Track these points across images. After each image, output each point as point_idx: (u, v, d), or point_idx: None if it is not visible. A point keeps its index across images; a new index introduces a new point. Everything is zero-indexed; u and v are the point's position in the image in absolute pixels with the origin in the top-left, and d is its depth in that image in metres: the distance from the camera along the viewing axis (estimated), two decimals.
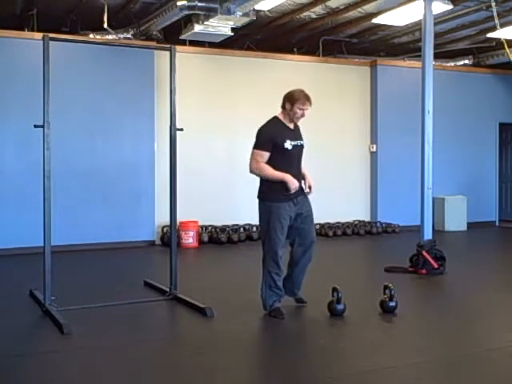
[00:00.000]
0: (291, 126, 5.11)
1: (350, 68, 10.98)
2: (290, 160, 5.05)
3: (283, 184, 4.95)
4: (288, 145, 4.99)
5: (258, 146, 5.03)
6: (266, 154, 4.97)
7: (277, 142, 4.96)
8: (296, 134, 5.12)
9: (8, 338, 4.48)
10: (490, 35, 9.76)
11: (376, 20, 9.14)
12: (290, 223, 5.09)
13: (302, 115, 5.03)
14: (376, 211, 10.89)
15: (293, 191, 4.95)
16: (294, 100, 4.95)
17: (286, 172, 4.97)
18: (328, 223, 10.45)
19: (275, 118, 5.12)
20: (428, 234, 7.30)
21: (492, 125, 12.08)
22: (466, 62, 11.69)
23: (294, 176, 5.01)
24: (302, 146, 5.17)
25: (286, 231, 5.09)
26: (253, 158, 5.05)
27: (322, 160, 10.64)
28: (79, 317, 4.95)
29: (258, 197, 5.25)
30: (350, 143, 11.00)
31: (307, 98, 4.98)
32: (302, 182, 5.18)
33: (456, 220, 11.21)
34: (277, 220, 5.03)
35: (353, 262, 7.37)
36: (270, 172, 4.98)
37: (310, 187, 5.20)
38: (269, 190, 5.07)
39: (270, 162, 5.00)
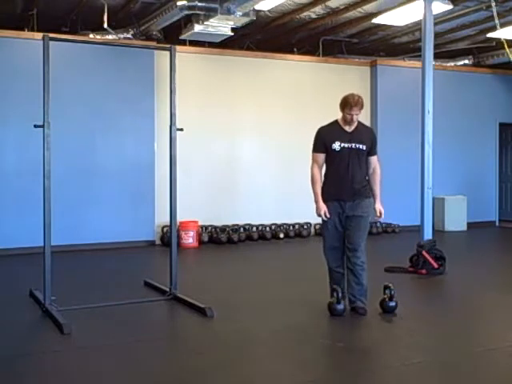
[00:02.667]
0: (349, 128, 5.13)
1: (349, 68, 10.97)
2: (339, 161, 5.10)
3: (329, 186, 5.12)
4: (336, 146, 5.08)
5: (313, 148, 5.25)
6: (321, 156, 5.17)
7: (326, 143, 5.12)
8: (352, 137, 5.10)
9: (8, 338, 4.48)
10: (490, 35, 9.75)
11: (376, 20, 9.14)
12: (340, 224, 5.12)
13: (352, 120, 5.06)
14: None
15: (317, 216, 5.11)
16: (343, 105, 5.08)
17: (335, 173, 5.11)
18: None
19: (335, 120, 5.22)
20: (428, 234, 7.30)
21: (492, 125, 12.08)
22: (466, 62, 11.68)
23: (343, 177, 5.08)
24: (357, 150, 5.10)
25: (335, 228, 5.12)
26: (311, 161, 5.24)
27: None
28: (79, 317, 4.95)
29: None
30: None
31: (355, 104, 5.00)
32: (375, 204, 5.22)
33: (456, 220, 11.21)
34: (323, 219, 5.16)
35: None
36: (313, 185, 5.16)
37: (380, 213, 5.19)
38: (322, 189, 5.19)
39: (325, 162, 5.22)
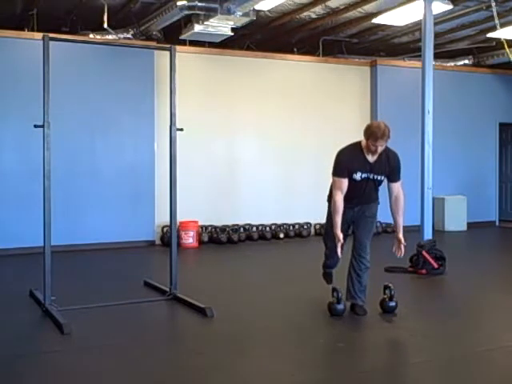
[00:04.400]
0: (371, 157, 4.86)
1: (349, 68, 10.97)
2: (354, 187, 4.92)
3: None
4: (357, 176, 4.87)
5: (335, 173, 4.92)
6: (345, 181, 4.86)
7: (348, 170, 4.87)
8: (373, 168, 4.87)
9: (8, 338, 4.48)
10: (490, 35, 9.75)
11: (376, 20, 9.14)
12: (347, 229, 5.06)
13: (376, 151, 4.78)
14: None
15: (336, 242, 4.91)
16: (367, 135, 4.76)
17: (349, 193, 4.87)
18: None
19: (358, 144, 4.90)
20: (428, 234, 7.30)
21: (492, 125, 12.07)
22: (466, 62, 11.68)
23: (356, 197, 4.94)
24: (375, 179, 4.93)
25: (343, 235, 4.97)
26: (333, 185, 4.92)
27: (322, 160, 10.63)
28: (79, 317, 4.95)
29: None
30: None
31: (381, 136, 4.69)
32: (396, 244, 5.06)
33: (456, 220, 11.21)
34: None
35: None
36: (335, 214, 4.84)
37: (399, 242, 5.03)
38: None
39: None
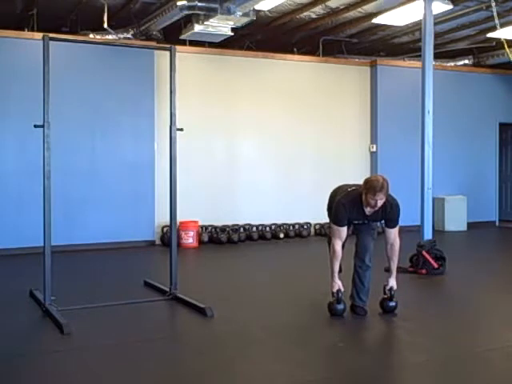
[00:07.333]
0: (369, 211, 4.89)
1: (349, 68, 10.97)
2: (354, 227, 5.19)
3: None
4: (354, 222, 5.07)
5: (336, 221, 5.00)
6: (345, 229, 4.99)
7: (347, 220, 4.98)
8: (369, 217, 4.97)
9: (8, 338, 4.48)
10: (489, 35, 9.75)
11: (376, 20, 9.14)
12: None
13: (376, 205, 4.78)
14: None
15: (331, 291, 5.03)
16: (366, 189, 4.77)
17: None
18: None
19: (359, 197, 4.88)
20: (428, 234, 7.30)
21: (492, 125, 12.07)
22: (466, 62, 11.68)
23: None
24: (369, 223, 5.10)
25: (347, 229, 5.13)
26: (333, 233, 5.03)
27: (322, 160, 10.64)
28: (79, 317, 4.95)
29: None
30: (350, 143, 11.00)
31: (379, 190, 4.69)
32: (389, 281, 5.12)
33: (456, 220, 11.20)
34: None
35: (353, 262, 7.36)
36: (333, 261, 4.97)
37: (391, 289, 5.08)
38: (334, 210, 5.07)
39: None
